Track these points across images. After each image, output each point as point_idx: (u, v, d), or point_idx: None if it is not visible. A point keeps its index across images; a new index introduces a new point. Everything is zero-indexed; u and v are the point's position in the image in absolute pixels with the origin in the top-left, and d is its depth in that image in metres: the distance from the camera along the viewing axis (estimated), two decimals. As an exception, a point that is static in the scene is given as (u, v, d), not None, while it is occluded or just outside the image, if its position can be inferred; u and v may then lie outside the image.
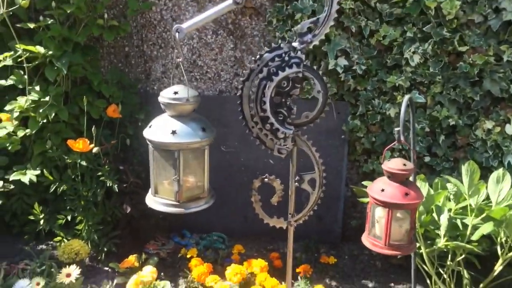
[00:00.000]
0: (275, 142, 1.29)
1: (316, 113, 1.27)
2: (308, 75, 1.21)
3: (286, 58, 1.20)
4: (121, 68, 2.48)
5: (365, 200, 2.04)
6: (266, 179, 1.37)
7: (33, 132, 2.13)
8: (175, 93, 1.23)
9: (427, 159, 2.32)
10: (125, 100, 2.37)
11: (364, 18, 2.20)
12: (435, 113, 2.23)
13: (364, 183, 2.08)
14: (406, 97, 1.67)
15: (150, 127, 1.27)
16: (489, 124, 2.20)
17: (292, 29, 2.12)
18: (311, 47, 1.21)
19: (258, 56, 1.23)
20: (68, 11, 2.05)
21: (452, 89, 2.21)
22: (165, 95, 1.25)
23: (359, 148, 2.43)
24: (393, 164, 1.67)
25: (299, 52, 1.20)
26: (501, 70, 2.14)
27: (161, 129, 1.23)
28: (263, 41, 2.39)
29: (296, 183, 1.37)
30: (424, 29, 2.14)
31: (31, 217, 2.31)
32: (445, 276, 2.02)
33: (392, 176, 1.68)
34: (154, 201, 1.31)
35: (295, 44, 1.22)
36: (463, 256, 1.97)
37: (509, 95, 2.18)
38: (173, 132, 1.21)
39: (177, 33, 1.19)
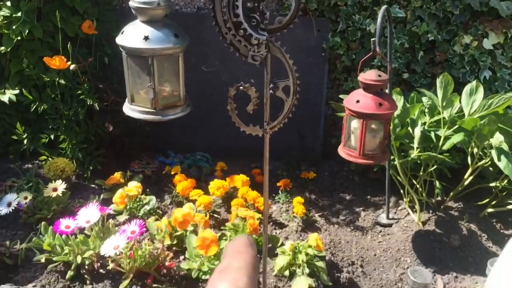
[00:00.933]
0: (249, 49, 1.29)
1: (289, 18, 1.26)
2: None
3: None
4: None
5: (343, 114, 2.09)
6: (241, 87, 1.39)
7: (8, 50, 2.09)
8: (148, -2, 1.21)
9: (405, 75, 2.34)
10: (101, 17, 2.32)
11: None
12: (414, 28, 2.23)
13: (341, 96, 2.11)
14: (383, 7, 1.66)
15: (122, 33, 1.26)
16: (467, 39, 2.21)
17: None
18: None
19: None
20: None
21: (432, 3, 2.20)
22: (137, -1, 1.22)
23: (340, 66, 2.45)
24: (368, 75, 1.69)
25: None
26: (482, -18, 2.12)
27: (133, 35, 1.22)
28: None
29: (271, 91, 1.38)
30: None
31: (14, 137, 2.33)
32: (417, 186, 2.12)
33: (367, 87, 1.71)
34: (131, 109, 1.33)
35: None
36: (435, 167, 2.05)
37: (489, 8, 2.17)
38: (146, 38, 1.21)
39: None
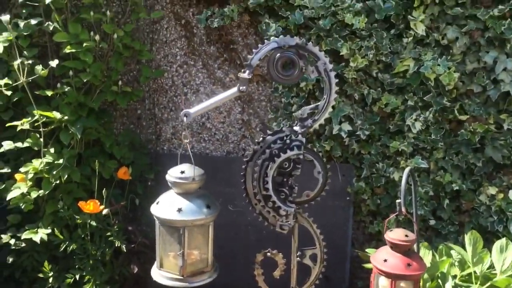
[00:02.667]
0: (277, 219, 1.33)
1: (317, 192, 1.31)
2: (309, 157, 1.27)
3: (288, 141, 1.26)
4: (133, 129, 2.57)
5: (369, 266, 2.04)
6: (268, 253, 1.40)
7: (46, 192, 2.19)
8: (182, 172, 1.29)
9: (432, 222, 2.31)
10: (136, 160, 2.43)
11: (367, 87, 2.27)
12: (438, 178, 2.24)
13: (367, 250, 2.08)
14: (407, 169, 1.70)
15: (157, 203, 1.32)
16: (492, 190, 2.21)
17: (293, 114, 2.20)
18: (311, 130, 1.27)
19: (261, 139, 1.29)
20: (85, 80, 2.15)
21: (455, 155, 2.22)
22: (173, 174, 1.30)
23: (365, 209, 2.44)
24: (395, 235, 1.68)
25: (300, 136, 1.26)
26: (502, 137, 2.16)
27: (167, 206, 1.28)
28: (269, 105, 2.46)
29: (298, 258, 1.39)
30: (424, 98, 2.19)
31: (41, 275, 2.34)
32: None
33: (395, 247, 1.69)
34: (160, 275, 1.34)
35: (296, 128, 1.28)
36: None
37: (511, 161, 2.20)
38: (179, 210, 1.26)
39: (185, 117, 1.26)
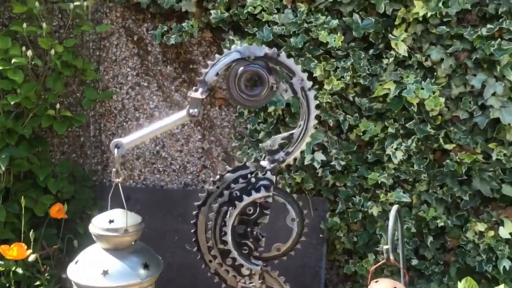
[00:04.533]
0: (239, 280, 1.01)
1: (290, 245, 1.00)
2: (280, 199, 0.96)
3: (253, 180, 0.96)
4: (75, 159, 2.23)
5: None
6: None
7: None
8: (111, 221, 0.96)
9: (414, 262, 2.06)
10: (77, 194, 2.11)
11: (342, 112, 2.02)
12: (421, 213, 2.01)
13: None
14: (394, 208, 1.43)
15: (76, 263, 0.98)
16: (480, 226, 1.99)
17: (260, 145, 1.93)
18: (283, 165, 0.97)
19: (217, 177, 0.98)
20: (13, 102, 1.81)
21: (439, 188, 2.01)
22: (98, 224, 0.97)
23: (339, 247, 2.18)
24: (382, 287, 1.40)
25: (268, 173, 0.96)
26: (491, 169, 1.96)
27: (89, 267, 0.94)
28: (233, 132, 2.19)
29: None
30: (406, 125, 1.96)
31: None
32: None
33: (382, 304, 1.40)
34: None
35: (263, 163, 0.98)
36: None
37: (501, 195, 1.98)
38: (105, 273, 0.92)
39: (116, 149, 0.94)
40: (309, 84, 0.96)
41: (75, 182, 2.14)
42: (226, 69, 0.96)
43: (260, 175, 0.96)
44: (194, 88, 0.95)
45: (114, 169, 0.99)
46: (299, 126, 0.97)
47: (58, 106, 1.99)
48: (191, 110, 0.94)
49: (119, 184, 1.00)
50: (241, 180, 0.96)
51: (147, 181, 2.23)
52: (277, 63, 0.94)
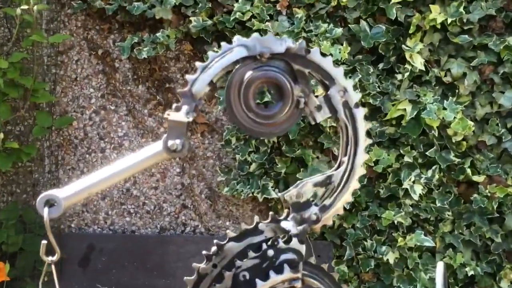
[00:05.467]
0: None
1: None
2: (314, 283, 0.59)
3: (271, 253, 0.59)
4: (26, 200, 1.82)
5: None
6: None
7: None
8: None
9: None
10: (27, 246, 1.72)
11: (350, 139, 1.69)
12: (446, 259, 1.69)
13: None
14: (440, 267, 1.08)
15: None
16: (515, 273, 1.68)
17: (278, 194, 1.58)
18: (317, 227, 0.60)
19: (214, 248, 0.60)
20: None
21: (466, 228, 1.74)
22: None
23: (347, 300, 1.82)
24: None
25: (295, 241, 0.59)
26: (526, 204, 1.67)
27: None
28: (218, 164, 1.84)
29: None
30: (426, 153, 1.65)
31: None
32: None
33: None
34: None
35: (286, 224, 0.61)
36: None
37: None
38: None
39: (46, 209, 0.59)
40: (356, 97, 0.60)
41: (25, 230, 1.76)
42: (226, 74, 0.59)
43: (281, 244, 0.59)
44: (174, 106, 0.58)
45: (43, 242, 0.62)
46: (340, 165, 0.61)
47: (1, 136, 1.59)
48: (170, 142, 0.57)
49: (53, 265, 0.63)
50: (251, 254, 0.59)
51: (115, 226, 1.85)
52: (306, 65, 0.59)
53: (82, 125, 1.84)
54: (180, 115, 0.58)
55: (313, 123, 0.62)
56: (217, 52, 0.60)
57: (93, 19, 1.77)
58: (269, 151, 1.73)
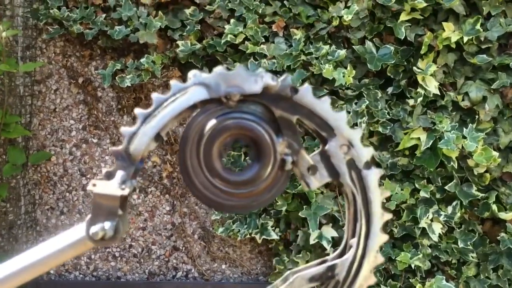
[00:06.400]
0: None
1: None
2: None
3: None
4: (1, 244, 1.62)
5: None
6: None
7: None
8: None
9: None
10: None
11: (359, 173, 1.49)
12: None
13: None
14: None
15: None
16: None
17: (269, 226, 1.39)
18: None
19: None
20: None
21: (492, 271, 1.52)
22: None
23: None
24: None
25: None
26: (560, 243, 1.44)
27: None
28: (212, 201, 1.61)
29: None
30: (445, 187, 1.44)
31: None
32: None
33: None
34: None
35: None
36: None
37: None
38: None
39: None
40: (366, 153, 0.42)
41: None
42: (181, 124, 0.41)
43: None
44: (104, 171, 0.40)
45: None
46: (345, 250, 0.42)
47: (-33, 175, 1.41)
48: (94, 228, 0.38)
49: None
50: None
51: (98, 272, 1.65)
52: (293, 109, 0.40)
53: (61, 161, 1.65)
54: (112, 185, 0.40)
55: (306, 189, 0.43)
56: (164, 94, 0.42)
57: (73, 45, 1.60)
58: (267, 187, 1.54)
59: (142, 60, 1.50)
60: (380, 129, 1.47)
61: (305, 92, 0.41)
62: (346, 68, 1.43)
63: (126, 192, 0.39)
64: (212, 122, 0.41)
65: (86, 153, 1.66)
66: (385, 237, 0.43)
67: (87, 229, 0.39)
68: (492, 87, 1.44)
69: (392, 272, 1.52)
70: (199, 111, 0.41)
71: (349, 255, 0.42)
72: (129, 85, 1.53)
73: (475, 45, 1.45)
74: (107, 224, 0.39)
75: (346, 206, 0.43)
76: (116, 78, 1.54)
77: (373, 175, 0.41)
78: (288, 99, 0.40)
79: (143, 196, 1.65)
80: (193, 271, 1.66)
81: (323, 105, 0.41)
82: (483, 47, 1.45)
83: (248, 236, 1.54)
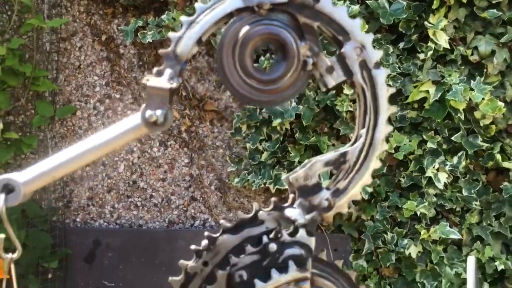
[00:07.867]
0: None
1: None
2: (326, 283, 0.48)
3: (273, 247, 0.48)
4: (30, 193, 1.73)
5: None
6: None
7: None
8: None
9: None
10: (30, 241, 1.65)
11: (368, 124, 1.57)
12: (474, 253, 1.55)
13: None
14: (471, 261, 0.97)
15: None
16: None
17: (283, 178, 1.46)
18: (329, 215, 0.49)
19: (204, 242, 0.50)
20: None
21: (495, 218, 1.61)
22: None
23: (367, 296, 1.71)
24: None
25: (302, 232, 0.48)
26: (562, 191, 1.53)
27: None
28: (229, 154, 1.73)
29: None
30: (452, 138, 1.52)
31: None
32: None
33: None
34: None
35: (292, 211, 0.50)
36: None
37: None
38: None
39: (1, 196, 0.49)
40: (376, 55, 0.49)
41: (28, 225, 1.67)
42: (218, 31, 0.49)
43: (285, 236, 0.49)
44: (155, 69, 0.48)
45: (1, 236, 0.53)
46: (357, 139, 0.50)
47: (1, 126, 1.51)
48: (148, 113, 0.46)
49: (12, 263, 0.54)
50: (249, 248, 0.48)
51: (121, 220, 1.77)
52: (314, 17, 0.48)
53: (86, 115, 1.76)
54: (162, 80, 0.48)
55: (323, 89, 0.50)
56: (206, 3, 0.49)
57: (96, 3, 1.68)
58: (281, 138, 1.62)
59: (162, 16, 1.58)
60: (390, 82, 1.54)
61: (325, 2, 0.48)
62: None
63: (174, 85, 0.47)
64: (245, 28, 0.48)
65: (109, 108, 1.75)
66: (389, 128, 0.50)
67: (143, 114, 0.47)
68: (501, 41, 1.51)
69: (399, 220, 1.63)
70: (235, 18, 0.48)
71: (359, 143, 0.50)
72: (150, 41, 1.62)
73: (485, 0, 1.50)
74: (159, 112, 0.47)
75: (357, 102, 0.51)
76: (138, 34, 1.62)
77: (381, 74, 0.49)
78: (311, 7, 0.48)
79: (163, 149, 1.75)
80: (210, 220, 1.77)
81: (340, 13, 0.48)
82: (493, 2, 1.52)
83: (262, 186, 1.63)
